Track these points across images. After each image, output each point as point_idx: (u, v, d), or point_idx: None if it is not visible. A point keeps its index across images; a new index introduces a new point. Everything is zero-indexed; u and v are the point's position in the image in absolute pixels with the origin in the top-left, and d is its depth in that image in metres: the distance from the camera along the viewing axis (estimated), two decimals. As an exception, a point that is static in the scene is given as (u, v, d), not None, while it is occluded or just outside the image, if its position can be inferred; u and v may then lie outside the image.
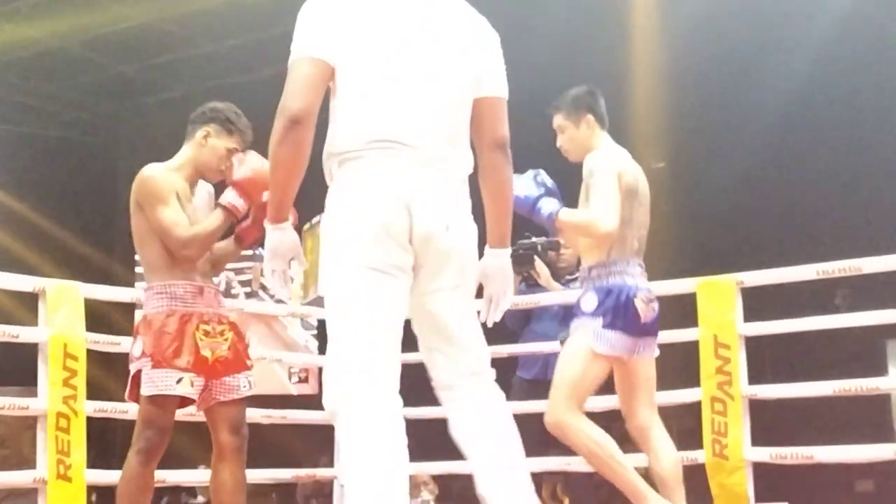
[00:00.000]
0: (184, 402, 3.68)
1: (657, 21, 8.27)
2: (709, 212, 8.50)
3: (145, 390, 3.59)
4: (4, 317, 6.72)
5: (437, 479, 6.12)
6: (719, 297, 5.03)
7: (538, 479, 5.81)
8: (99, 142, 10.36)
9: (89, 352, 4.78)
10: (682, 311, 5.38)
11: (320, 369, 10.01)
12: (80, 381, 4.70)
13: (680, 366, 5.60)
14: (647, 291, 3.87)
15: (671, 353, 5.78)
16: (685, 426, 5.88)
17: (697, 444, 5.06)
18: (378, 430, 2.42)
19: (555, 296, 5.65)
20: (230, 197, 3.65)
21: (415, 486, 6.03)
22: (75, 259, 9.44)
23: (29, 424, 7.27)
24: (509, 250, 2.82)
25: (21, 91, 9.72)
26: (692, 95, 8.45)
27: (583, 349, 3.82)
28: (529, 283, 5.83)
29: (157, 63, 9.25)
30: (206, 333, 3.67)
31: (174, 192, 3.66)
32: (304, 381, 11.10)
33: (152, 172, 3.68)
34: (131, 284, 9.02)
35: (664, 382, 5.67)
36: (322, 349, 8.94)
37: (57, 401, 4.63)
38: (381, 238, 2.47)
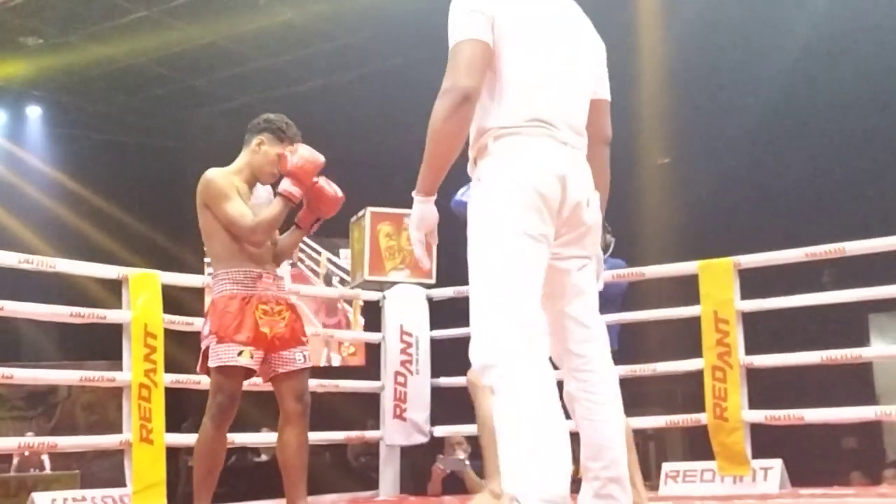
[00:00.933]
0: (248, 373, 3.71)
1: (660, 22, 8.19)
2: (709, 201, 8.45)
3: (212, 363, 3.63)
4: (92, 301, 6.77)
5: (469, 439, 6.12)
6: (719, 278, 5.01)
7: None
8: (171, 147, 10.42)
9: (166, 331, 4.84)
10: (685, 290, 5.38)
11: (367, 345, 10.00)
12: (159, 357, 4.75)
13: (684, 339, 5.60)
14: None
15: (676, 328, 5.79)
16: (689, 392, 5.87)
17: (700, 407, 5.05)
18: (541, 384, 2.28)
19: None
20: (286, 185, 3.66)
21: (449, 445, 6.05)
22: (153, 249, 9.50)
23: (115, 394, 7.34)
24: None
25: (104, 102, 9.79)
26: (692, 95, 8.39)
27: None
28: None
29: (221, 77, 9.27)
30: (265, 312, 3.69)
31: (235, 189, 3.70)
32: (353, 354, 11.16)
33: (214, 175, 3.71)
34: (201, 272, 9.09)
35: (670, 354, 5.68)
36: (368, 327, 8.96)
37: (139, 374, 4.69)
38: (539, 206, 2.37)
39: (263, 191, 3.87)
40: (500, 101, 2.45)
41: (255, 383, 4.22)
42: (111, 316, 4.84)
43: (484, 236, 2.39)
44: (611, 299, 5.83)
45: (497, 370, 2.28)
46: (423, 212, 2.48)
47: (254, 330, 3.65)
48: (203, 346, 3.69)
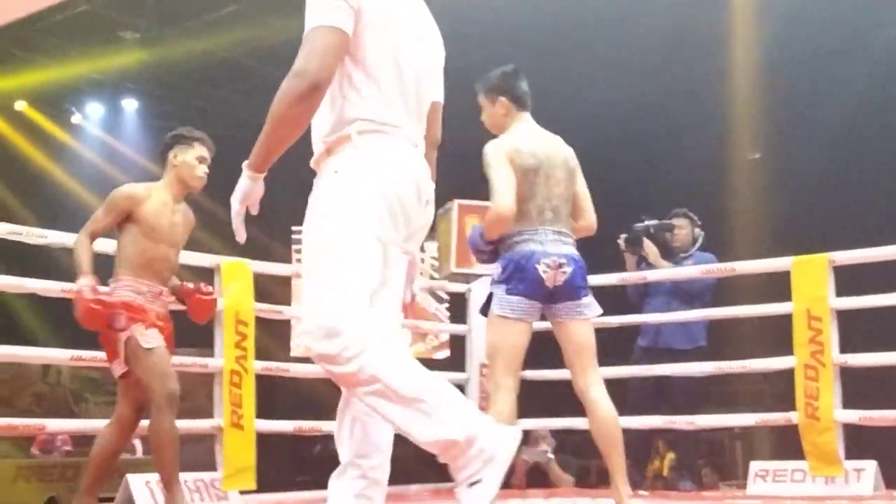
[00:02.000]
0: None
1: (753, 15, 8.05)
2: (802, 196, 8.27)
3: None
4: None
5: (554, 433, 6.11)
6: (812, 274, 4.92)
7: (648, 434, 5.80)
8: (255, 139, 10.54)
9: (256, 318, 4.92)
10: (775, 287, 5.28)
11: (452, 336, 10.03)
12: (250, 344, 4.84)
13: (774, 336, 5.50)
14: (557, 257, 3.62)
15: (766, 325, 5.69)
16: (779, 390, 5.77)
17: (790, 406, 4.96)
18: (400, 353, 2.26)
19: (665, 272, 5.64)
20: (84, 288, 3.78)
21: (533, 438, 6.04)
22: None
23: (204, 381, 7.49)
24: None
25: (198, 95, 9.99)
26: (784, 89, 8.22)
27: (491, 317, 3.68)
28: (648, 262, 5.81)
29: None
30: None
31: (120, 209, 3.94)
32: (439, 347, 11.19)
33: (122, 189, 3.99)
34: (289, 261, 9.23)
35: (760, 351, 5.59)
36: (453, 320, 8.97)
37: (231, 360, 4.79)
38: (396, 213, 2.34)
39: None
40: (365, 95, 2.37)
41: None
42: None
43: (334, 231, 2.31)
44: (698, 294, 5.77)
45: (343, 335, 2.21)
46: (249, 187, 2.40)
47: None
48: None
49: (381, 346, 2.22)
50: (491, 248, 3.74)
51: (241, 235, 2.48)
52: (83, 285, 3.70)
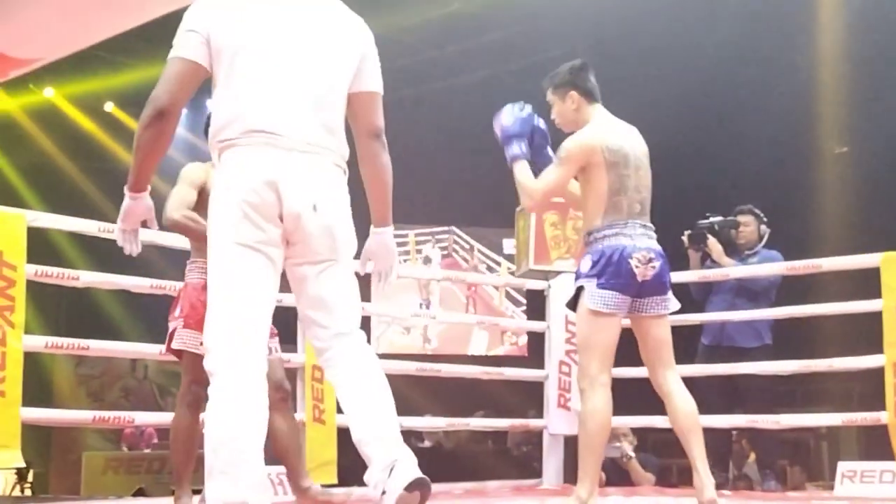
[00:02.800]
0: None
1: (840, 5, 7.87)
2: (891, 191, 8.07)
3: (176, 345, 3.73)
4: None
5: (635, 431, 6.07)
6: (902, 271, 4.80)
7: (726, 434, 5.73)
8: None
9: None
10: (858, 284, 5.17)
11: (528, 334, 10.01)
12: (331, 340, 4.89)
13: (860, 334, 5.39)
14: (647, 251, 3.58)
15: (856, 323, 5.57)
16: (868, 390, 5.64)
17: (879, 406, 4.86)
18: (239, 396, 2.45)
19: (729, 270, 5.57)
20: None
21: (615, 436, 6.00)
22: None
23: (288, 374, 7.59)
24: (391, 229, 2.75)
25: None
26: (871, 81, 8.02)
27: (583, 311, 3.61)
28: (712, 259, 5.75)
29: (389, 68, 9.43)
30: None
31: (199, 184, 3.85)
32: (515, 344, 11.19)
33: (193, 164, 3.95)
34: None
35: (846, 350, 5.47)
36: (531, 316, 8.93)
37: (312, 356, 4.84)
38: (250, 216, 2.46)
39: None
40: (222, 114, 2.53)
41: (421, 369, 4.23)
42: (286, 299, 5.01)
43: (210, 247, 2.52)
44: (763, 292, 5.68)
45: (214, 378, 2.47)
46: (128, 206, 2.64)
47: None
48: (171, 328, 3.78)
49: (226, 375, 2.46)
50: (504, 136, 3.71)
51: (130, 251, 2.74)
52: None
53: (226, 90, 2.52)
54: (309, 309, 2.62)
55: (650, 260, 3.60)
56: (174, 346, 3.75)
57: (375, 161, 2.66)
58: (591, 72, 3.79)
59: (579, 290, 3.64)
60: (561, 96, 3.77)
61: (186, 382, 3.77)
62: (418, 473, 2.39)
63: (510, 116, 3.74)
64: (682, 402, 3.62)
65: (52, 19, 6.18)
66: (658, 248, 3.65)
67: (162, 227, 3.21)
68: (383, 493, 2.38)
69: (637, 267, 3.57)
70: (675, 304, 3.72)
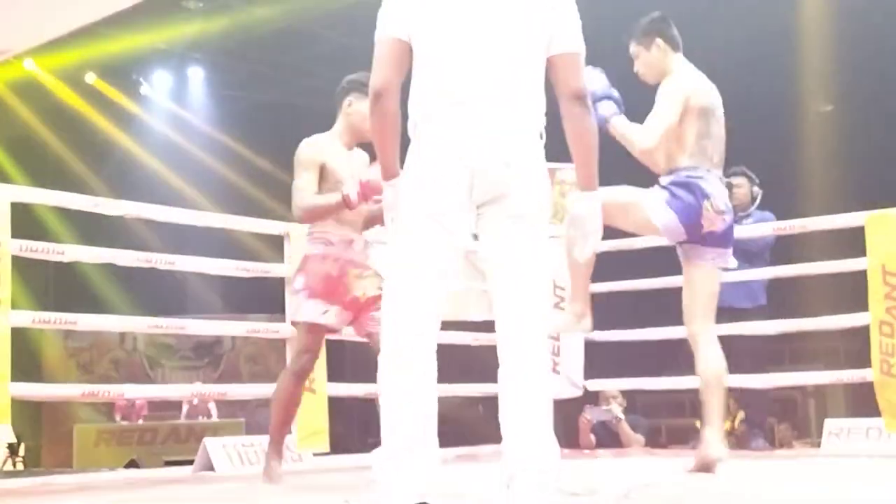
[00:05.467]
0: (331, 331, 3.86)
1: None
2: (875, 150, 8.09)
3: (299, 317, 3.76)
4: (253, 255, 7.03)
5: (624, 393, 6.11)
6: (888, 230, 4.82)
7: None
8: (322, 106, 10.60)
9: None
10: (842, 243, 5.19)
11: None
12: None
13: (842, 293, 5.42)
14: (721, 202, 3.62)
15: (838, 282, 5.60)
16: (853, 348, 5.69)
17: (865, 363, 4.89)
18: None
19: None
20: (350, 189, 3.66)
21: (604, 398, 6.05)
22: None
23: (276, 346, 7.63)
24: (598, 193, 2.69)
25: (264, 63, 10.04)
26: (855, 39, 8.01)
27: (633, 201, 3.64)
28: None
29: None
30: (356, 277, 3.78)
31: (315, 163, 3.74)
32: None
33: (303, 144, 3.80)
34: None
35: (829, 308, 5.50)
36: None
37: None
38: (442, 181, 2.49)
39: (360, 158, 3.92)
40: (416, 88, 2.56)
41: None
42: (275, 270, 5.02)
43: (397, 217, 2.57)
44: (758, 253, 5.69)
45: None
46: (388, 196, 2.64)
47: (344, 291, 3.75)
48: (294, 299, 3.82)
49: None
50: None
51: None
52: (349, 188, 3.64)
53: (419, 63, 2.56)
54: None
55: (722, 212, 3.63)
56: (297, 318, 3.78)
57: (577, 124, 2.59)
58: (673, 23, 3.83)
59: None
60: (647, 45, 3.80)
61: (297, 351, 3.81)
62: (530, 498, 2.44)
63: (596, 79, 3.68)
64: (713, 357, 3.68)
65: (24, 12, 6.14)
66: (730, 203, 3.70)
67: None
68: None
69: (707, 211, 3.59)
70: (734, 262, 3.76)
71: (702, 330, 3.72)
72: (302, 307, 3.76)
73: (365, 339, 3.87)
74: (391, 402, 2.46)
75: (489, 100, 2.51)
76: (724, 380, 3.69)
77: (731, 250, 3.73)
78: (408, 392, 2.46)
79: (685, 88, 3.68)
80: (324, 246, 3.78)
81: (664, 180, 3.69)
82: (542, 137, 2.59)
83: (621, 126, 3.67)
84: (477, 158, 2.48)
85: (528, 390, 2.55)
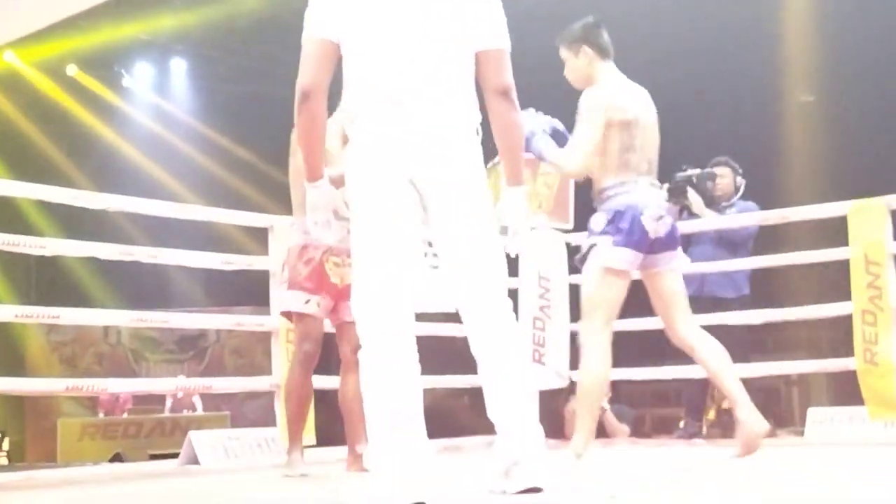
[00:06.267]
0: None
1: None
2: (857, 140, 8.12)
3: (281, 307, 3.83)
4: (237, 247, 7.01)
5: (609, 383, 6.12)
6: (870, 219, 4.86)
7: (702, 383, 5.78)
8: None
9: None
10: (823, 233, 5.21)
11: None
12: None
13: (824, 283, 5.44)
14: (658, 208, 3.69)
15: (820, 272, 5.63)
16: (837, 337, 5.72)
17: (848, 352, 4.93)
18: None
19: (708, 222, 5.59)
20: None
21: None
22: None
23: (260, 339, 7.60)
24: (524, 188, 2.72)
25: (247, 55, 9.98)
26: (837, 29, 8.03)
27: (595, 268, 3.67)
28: (690, 211, 5.76)
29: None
30: (336, 264, 3.78)
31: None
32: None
33: None
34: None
35: (811, 298, 5.53)
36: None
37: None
38: (384, 181, 2.50)
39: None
40: (349, 86, 2.57)
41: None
42: (258, 263, 5.01)
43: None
44: (742, 243, 5.71)
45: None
46: (313, 198, 2.64)
47: (322, 279, 3.75)
48: (279, 292, 3.87)
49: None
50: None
51: (328, 239, 2.89)
52: None
53: (350, 61, 2.57)
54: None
55: (661, 217, 3.68)
56: (282, 308, 3.82)
57: (501, 119, 2.63)
58: (605, 29, 3.82)
59: (590, 248, 3.70)
60: (574, 52, 3.81)
61: (297, 341, 3.83)
62: (534, 482, 2.46)
63: (530, 121, 3.71)
64: (713, 346, 3.74)
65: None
66: (666, 205, 3.76)
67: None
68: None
69: (647, 222, 3.64)
70: (685, 260, 3.83)
71: (687, 329, 3.78)
72: (285, 298, 3.79)
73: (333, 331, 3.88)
74: (374, 392, 2.46)
75: (425, 98, 2.52)
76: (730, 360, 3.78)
77: (679, 250, 3.80)
78: (390, 380, 2.45)
79: (603, 104, 3.68)
80: (304, 235, 3.78)
81: (596, 217, 3.72)
82: (478, 133, 2.61)
83: (548, 154, 3.71)
84: (417, 157, 2.50)
85: (511, 375, 2.60)
